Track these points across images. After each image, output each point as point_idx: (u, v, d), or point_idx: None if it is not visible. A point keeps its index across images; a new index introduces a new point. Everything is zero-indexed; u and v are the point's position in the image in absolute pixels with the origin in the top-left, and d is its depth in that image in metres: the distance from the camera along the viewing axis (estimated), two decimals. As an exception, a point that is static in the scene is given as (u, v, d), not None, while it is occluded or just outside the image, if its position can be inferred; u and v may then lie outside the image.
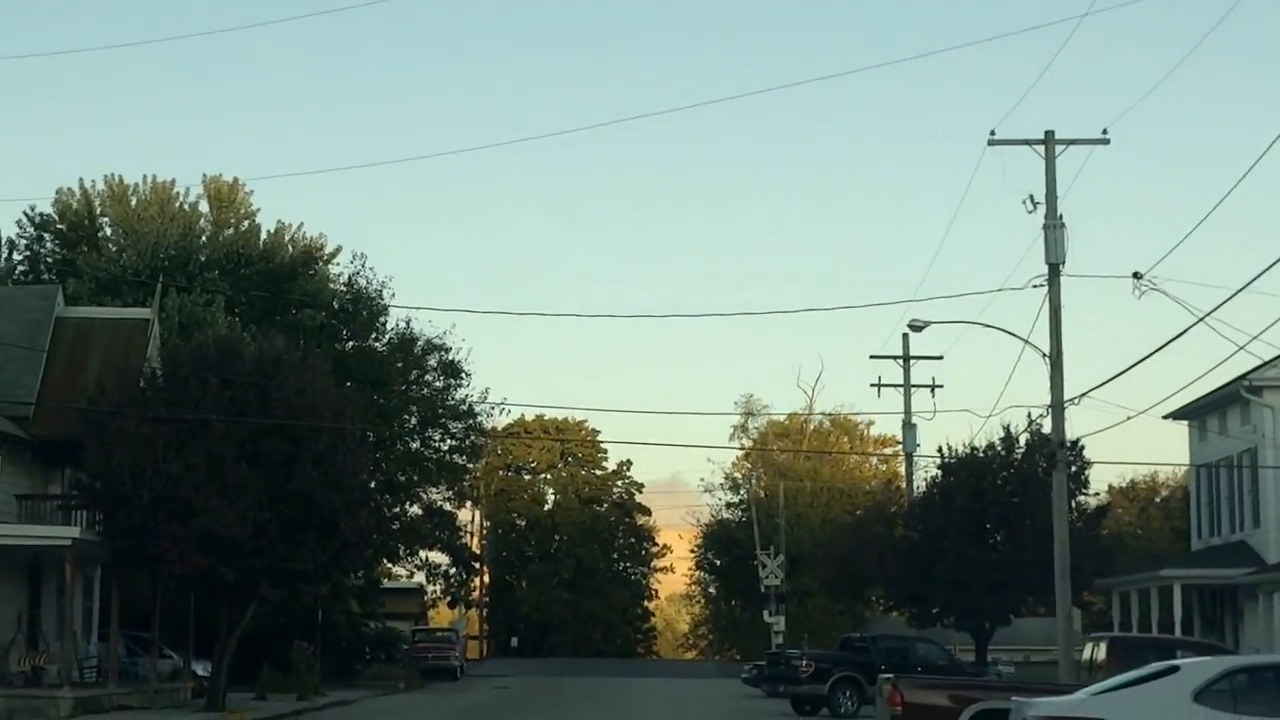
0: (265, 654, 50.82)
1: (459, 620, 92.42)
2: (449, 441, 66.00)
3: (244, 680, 48.93)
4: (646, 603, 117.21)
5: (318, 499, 39.58)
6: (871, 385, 66.89)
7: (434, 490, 65.90)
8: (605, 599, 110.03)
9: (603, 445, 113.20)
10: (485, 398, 65.63)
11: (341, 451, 40.73)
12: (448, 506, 66.33)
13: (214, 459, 38.60)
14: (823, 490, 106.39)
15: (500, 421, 66.60)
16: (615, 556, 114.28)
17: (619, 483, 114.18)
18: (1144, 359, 36.37)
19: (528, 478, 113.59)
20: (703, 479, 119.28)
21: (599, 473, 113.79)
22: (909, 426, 66.18)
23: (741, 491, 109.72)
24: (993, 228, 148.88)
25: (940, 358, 67.43)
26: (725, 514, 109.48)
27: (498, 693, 58.67)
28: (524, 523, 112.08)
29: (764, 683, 57.33)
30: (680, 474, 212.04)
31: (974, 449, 51.85)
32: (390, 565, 65.99)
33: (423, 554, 64.44)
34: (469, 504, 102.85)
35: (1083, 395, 37.95)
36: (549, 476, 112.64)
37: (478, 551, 69.86)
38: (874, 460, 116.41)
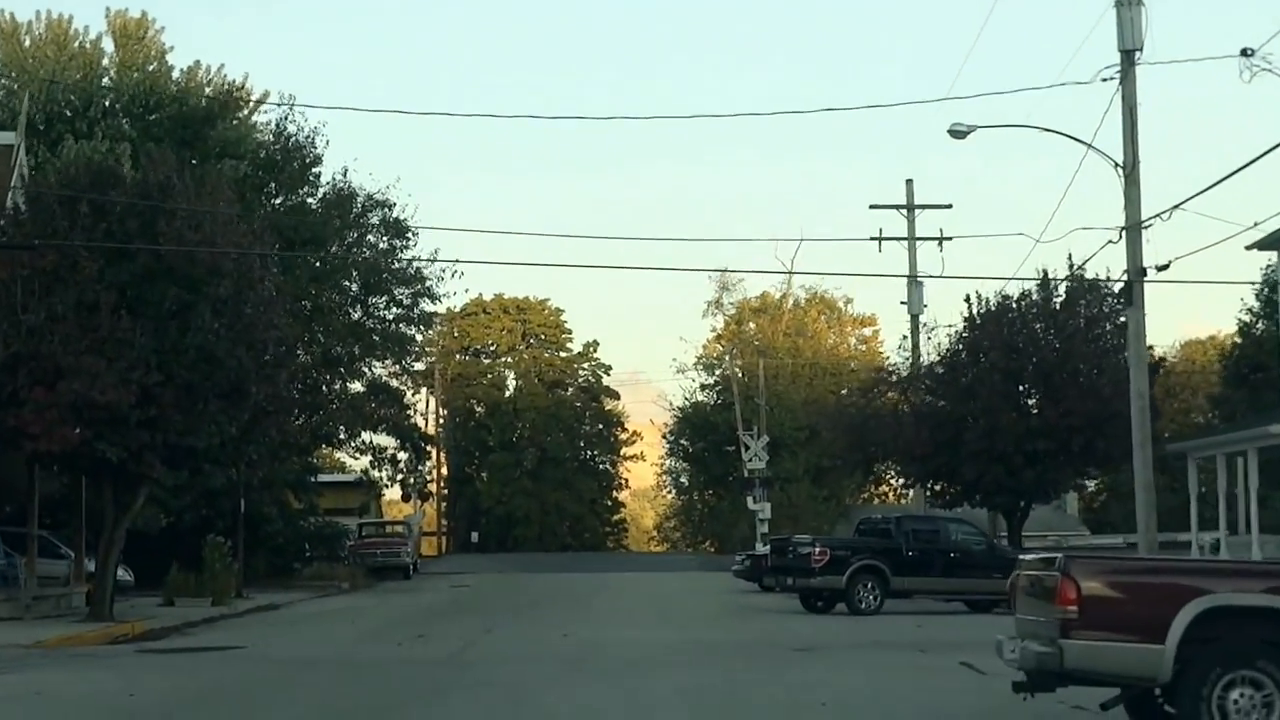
0: (181, 554, 43.31)
1: (414, 514, 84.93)
2: (394, 310, 58.15)
3: (159, 584, 41.73)
4: (616, 493, 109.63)
5: (220, 357, 31.77)
6: (872, 238, 59.05)
7: (379, 365, 58.13)
8: (572, 490, 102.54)
9: (567, 326, 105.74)
10: (434, 258, 57.74)
11: (250, 299, 32.87)
12: (395, 383, 58.49)
13: (86, 307, 30.78)
14: (804, 369, 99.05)
15: (455, 296, 58.74)
16: (582, 444, 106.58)
17: (585, 365, 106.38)
18: (1243, 168, 28.73)
19: (487, 361, 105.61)
20: (674, 359, 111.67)
21: (563, 355, 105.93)
22: (915, 283, 58.52)
23: (717, 372, 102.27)
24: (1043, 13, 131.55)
25: (949, 206, 60.01)
26: (700, 396, 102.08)
27: (453, 592, 51.29)
28: (483, 409, 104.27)
29: (760, 575, 50.20)
30: (646, 369, 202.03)
31: (1005, 297, 44.35)
32: (329, 449, 58.02)
33: (367, 436, 56.71)
34: (424, 389, 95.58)
35: (1175, 208, 30.19)
36: (510, 360, 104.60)
37: (431, 434, 61.89)
38: (852, 341, 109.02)
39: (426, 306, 58.13)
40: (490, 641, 28.33)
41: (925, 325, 54.36)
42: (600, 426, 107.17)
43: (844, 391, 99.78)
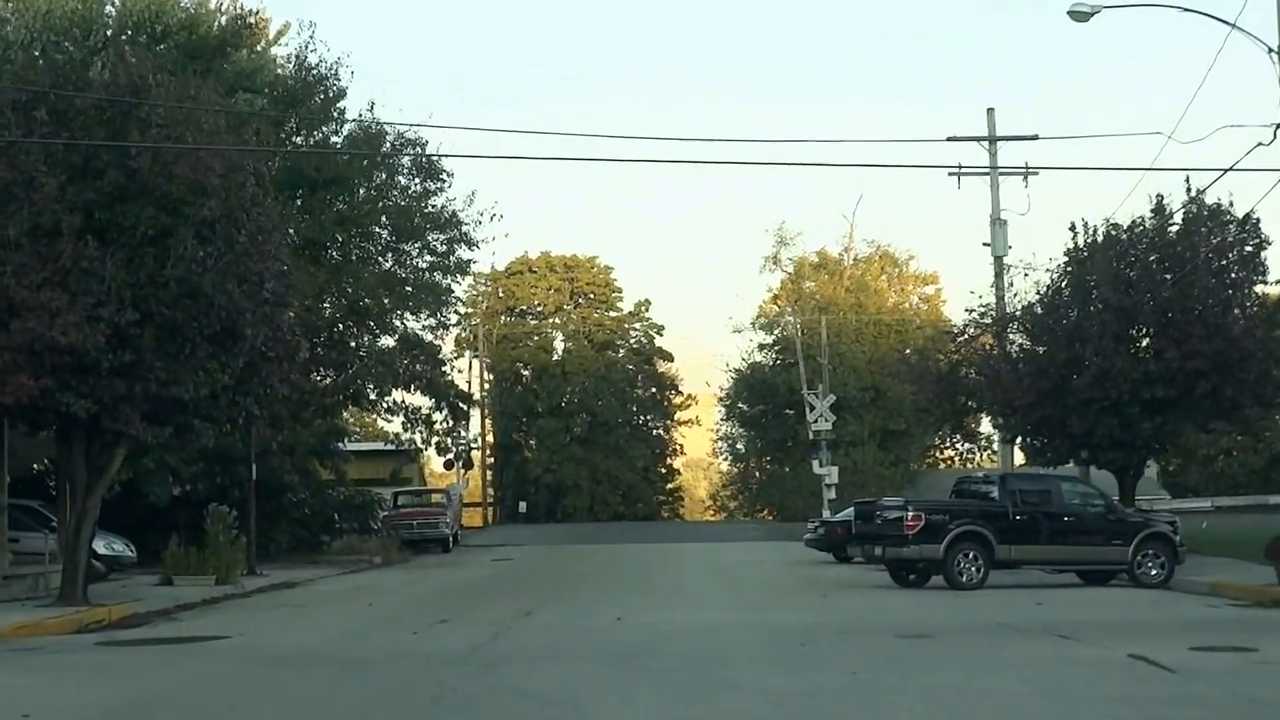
0: (188, 526, 38.46)
1: (456, 483, 79.99)
2: (428, 258, 53.05)
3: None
4: (671, 460, 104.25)
5: (207, 291, 26.74)
6: (950, 173, 53.63)
7: (412, 318, 53.09)
8: (624, 457, 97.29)
9: (617, 284, 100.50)
10: (471, 202, 52.65)
11: (244, 223, 27.80)
12: (430, 338, 53.43)
13: (45, 232, 25.86)
14: (868, 326, 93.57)
15: (493, 241, 53.58)
16: (634, 409, 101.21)
17: (636, 325, 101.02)
18: None
19: (533, 322, 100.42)
20: (731, 318, 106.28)
21: (614, 315, 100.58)
22: (998, 224, 53.07)
23: (776, 330, 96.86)
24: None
25: (1034, 137, 54.35)
26: (758, 356, 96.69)
27: (494, 567, 46.30)
28: (530, 373, 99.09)
29: (836, 544, 45.09)
30: (700, 330, 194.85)
31: (1114, 226, 38.88)
32: (360, 413, 52.87)
33: (399, 396, 51.64)
34: (467, 352, 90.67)
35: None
36: (557, 320, 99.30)
37: (469, 393, 56.52)
38: (914, 300, 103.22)
39: (463, 254, 52.99)
40: (526, 628, 23.21)
41: (1011, 268, 48.84)
42: (653, 390, 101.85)
43: (924, 342, 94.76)
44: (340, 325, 49.88)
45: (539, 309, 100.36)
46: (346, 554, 51.24)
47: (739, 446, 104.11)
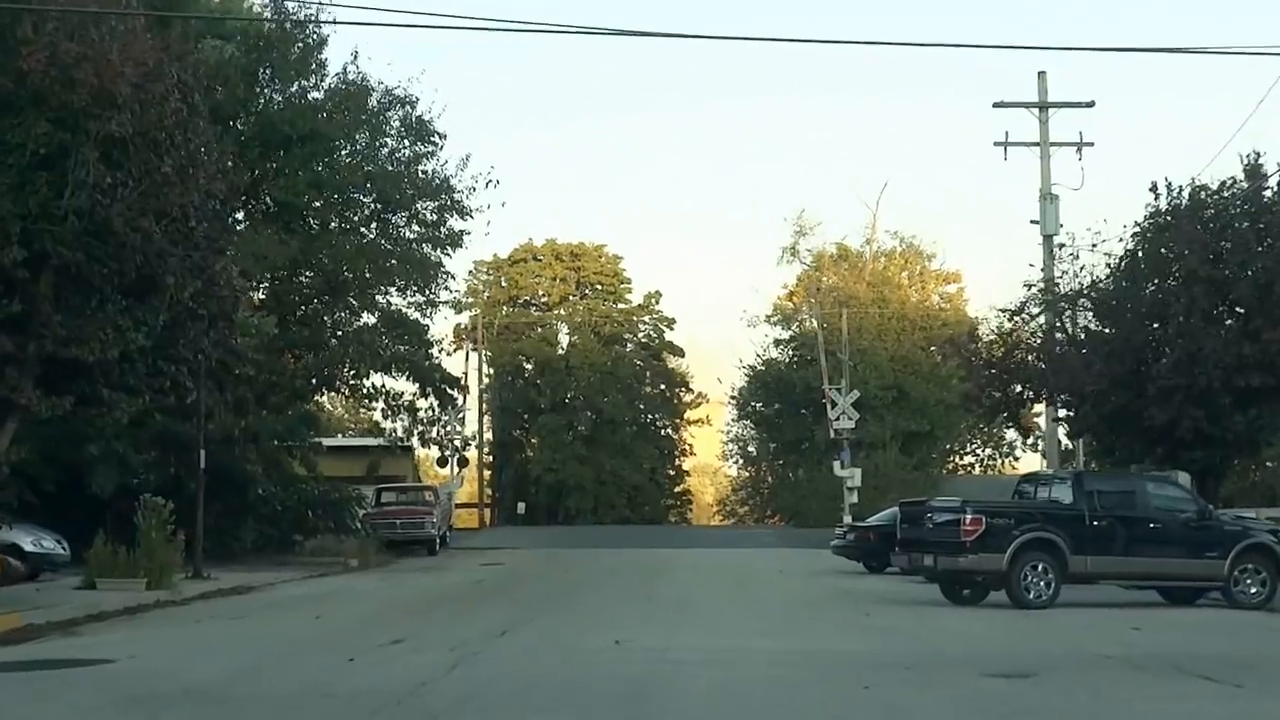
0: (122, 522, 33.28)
1: (451, 482, 74.84)
2: (415, 228, 47.90)
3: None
4: (680, 460, 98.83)
5: (117, 229, 21.59)
6: (996, 144, 48.58)
7: (397, 295, 47.93)
8: (630, 457, 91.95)
9: (626, 274, 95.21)
10: (464, 166, 47.56)
11: (167, 148, 22.61)
12: (417, 316, 48.17)
13: (-93, 149, 20.71)
14: (891, 322, 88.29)
15: (488, 210, 48.05)
16: (642, 407, 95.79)
17: (646, 318, 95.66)
18: None
19: (536, 313, 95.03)
20: (745, 310, 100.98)
21: (622, 307, 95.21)
22: (1048, 200, 47.87)
23: (793, 326, 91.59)
24: None
25: (1090, 104, 49.20)
26: (774, 352, 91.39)
27: (481, 572, 41.06)
28: (533, 367, 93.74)
29: (868, 552, 39.94)
30: (713, 324, 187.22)
31: (1201, 188, 33.60)
32: (335, 395, 47.57)
33: (379, 380, 46.45)
34: (465, 342, 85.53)
35: None
36: (562, 312, 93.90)
37: (461, 379, 50.73)
38: (935, 299, 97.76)
39: (455, 224, 47.82)
40: (498, 653, 17.97)
41: (1063, 247, 43.46)
42: (662, 387, 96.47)
43: (933, 348, 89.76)
44: (315, 301, 44.76)
45: (543, 299, 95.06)
46: (321, 555, 46.18)
47: (750, 449, 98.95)
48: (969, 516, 27.03)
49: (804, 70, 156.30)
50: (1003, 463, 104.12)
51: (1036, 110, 48.73)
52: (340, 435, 49.91)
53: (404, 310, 47.10)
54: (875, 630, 22.19)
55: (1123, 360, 32.58)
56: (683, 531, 75.76)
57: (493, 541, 60.26)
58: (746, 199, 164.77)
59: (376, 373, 45.03)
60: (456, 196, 47.38)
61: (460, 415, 75.05)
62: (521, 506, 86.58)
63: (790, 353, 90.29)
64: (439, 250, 47.88)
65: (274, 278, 43.95)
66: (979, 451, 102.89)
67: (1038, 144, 48.42)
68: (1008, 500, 30.12)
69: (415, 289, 48.07)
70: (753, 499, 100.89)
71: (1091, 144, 48.44)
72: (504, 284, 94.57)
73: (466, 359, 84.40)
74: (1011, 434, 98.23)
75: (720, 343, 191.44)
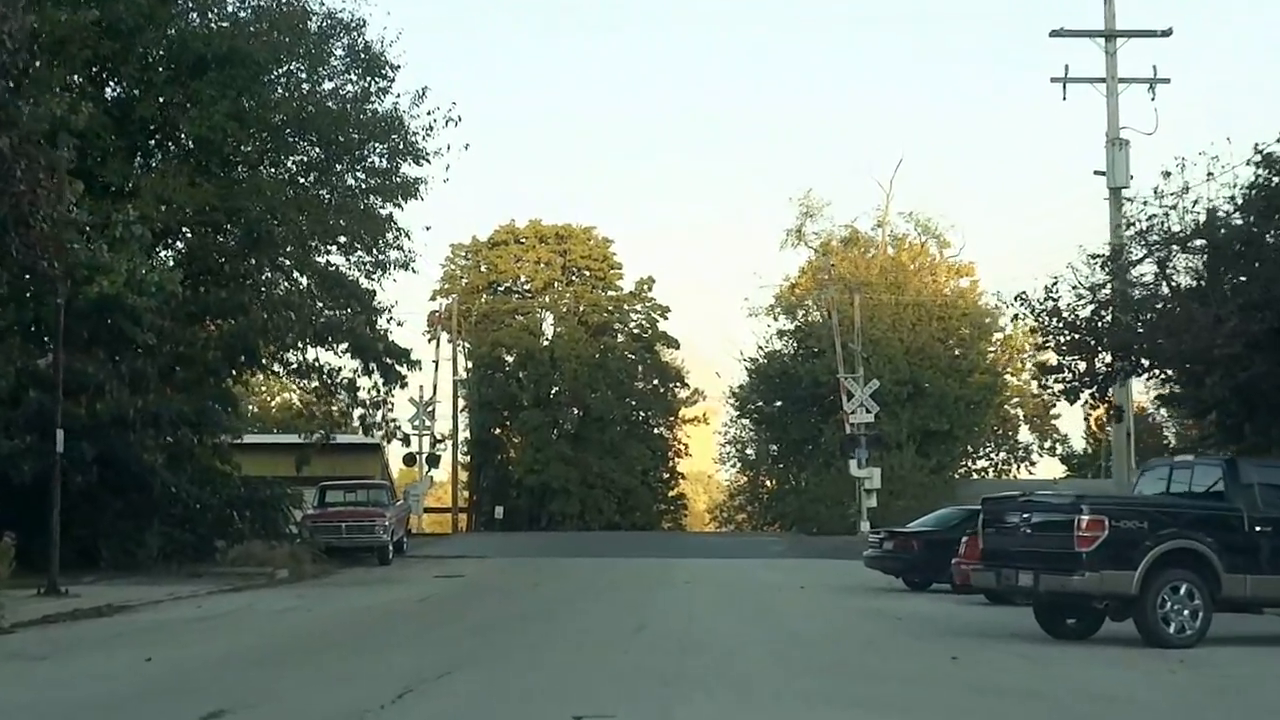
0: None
1: (419, 481, 66.95)
2: (362, 176, 40.12)
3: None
4: (675, 461, 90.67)
5: None
6: (1053, 80, 40.80)
7: (337, 252, 40.14)
8: (621, 458, 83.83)
9: (616, 259, 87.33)
10: (419, 100, 39.83)
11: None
12: (362, 281, 40.19)
13: None
14: (907, 311, 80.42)
15: (448, 153, 39.90)
16: (633, 403, 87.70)
17: (638, 307, 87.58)
18: None
19: (518, 300, 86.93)
20: (746, 299, 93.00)
21: (612, 294, 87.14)
22: (1116, 145, 40.12)
23: (799, 315, 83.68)
24: None
25: (1167, 32, 41.47)
26: (777, 344, 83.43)
27: (433, 588, 33.22)
28: (514, 359, 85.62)
29: (911, 564, 32.29)
30: (711, 315, 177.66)
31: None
32: (256, 370, 39.34)
33: (313, 354, 38.53)
34: (441, 334, 77.71)
35: None
36: (546, 299, 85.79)
37: (409, 351, 42.07)
38: (946, 292, 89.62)
39: (409, 171, 40.01)
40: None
41: (1131, 200, 35.45)
42: (655, 382, 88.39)
43: (954, 337, 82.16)
44: (238, 258, 36.96)
45: (525, 286, 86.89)
46: (245, 564, 38.36)
47: (749, 452, 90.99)
48: (1086, 518, 19.26)
49: (808, 21, 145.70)
50: (1018, 468, 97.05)
51: (1102, 40, 41.07)
52: (239, 407, 41.67)
53: (344, 271, 39.16)
54: (991, 694, 14.37)
55: (1262, 315, 24.71)
56: (678, 538, 67.58)
57: (462, 549, 52.19)
58: (747, 177, 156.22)
59: (309, 345, 37.04)
60: (411, 138, 39.54)
61: (429, 408, 67.33)
62: (499, 511, 78.48)
63: (795, 344, 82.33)
64: (389, 202, 40.01)
65: (186, 228, 36.16)
66: (993, 455, 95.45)
67: (1103, 79, 40.75)
68: (1135, 497, 22.30)
69: (360, 248, 40.17)
70: (751, 505, 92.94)
71: (1167, 80, 40.74)
72: (483, 269, 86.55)
73: (437, 347, 76.42)
74: (1064, 425, 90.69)
75: (719, 334, 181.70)
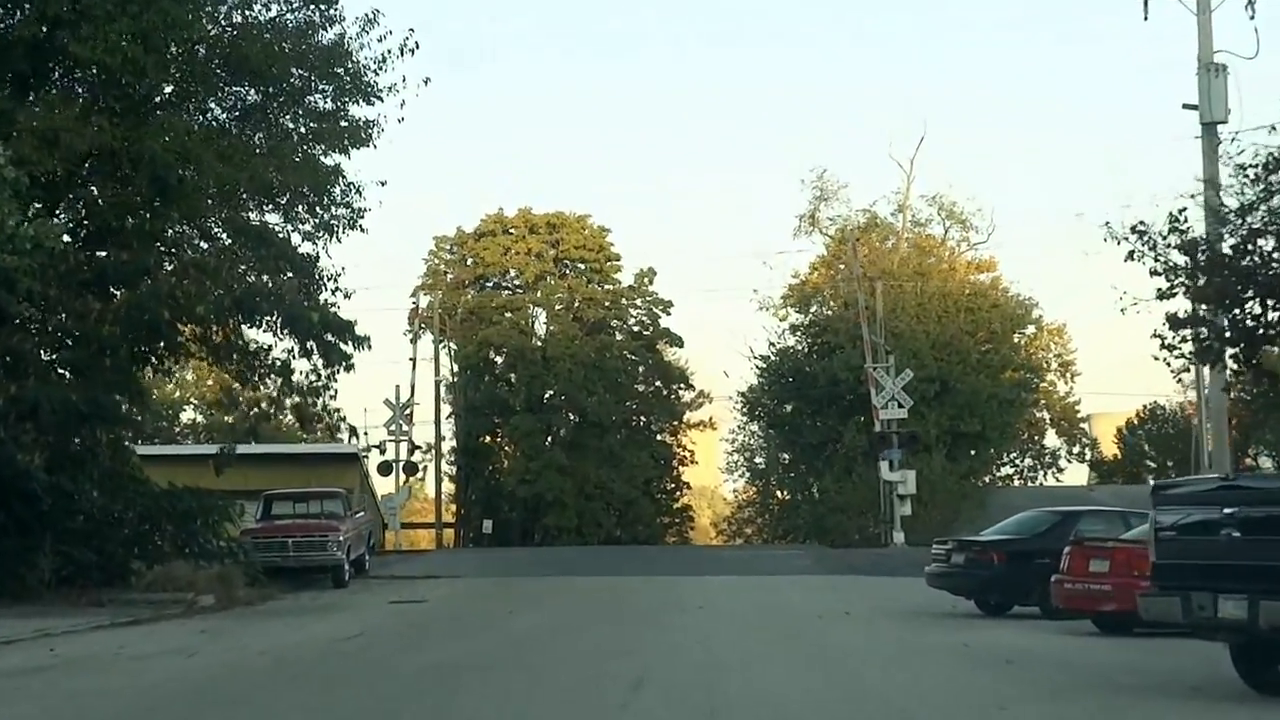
0: None
1: (397, 494, 59.92)
2: (303, 119, 33.17)
3: None
4: (679, 470, 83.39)
5: None
6: (1138, -4, 33.98)
7: (272, 210, 33.12)
8: (620, 466, 76.71)
9: (614, 249, 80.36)
10: (369, 28, 32.91)
11: None
12: (288, 234, 33.03)
13: None
14: (933, 300, 73.53)
15: (403, 90, 32.67)
16: (634, 406, 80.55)
17: (638, 301, 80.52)
18: None
19: (507, 295, 79.82)
20: (755, 291, 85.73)
21: (609, 288, 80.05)
22: (1212, 73, 33.30)
23: (814, 307, 76.80)
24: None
25: (1271, -62, 34.61)
26: (790, 340, 76.53)
27: (386, 617, 26.34)
28: (503, 359, 78.55)
29: (988, 583, 25.42)
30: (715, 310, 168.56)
31: None
32: (160, 351, 31.82)
33: (256, 336, 31.39)
34: (425, 333, 70.98)
35: None
36: (538, 294, 78.66)
37: (354, 323, 34.31)
38: (965, 290, 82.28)
39: (359, 111, 33.03)
40: None
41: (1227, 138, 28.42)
42: (658, 383, 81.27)
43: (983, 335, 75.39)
44: (142, 212, 29.98)
45: (515, 280, 79.78)
46: (164, 589, 31.48)
47: (758, 460, 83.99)
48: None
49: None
50: (1044, 474, 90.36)
51: (1191, -51, 34.26)
52: (144, 401, 34.33)
53: (275, 229, 32.05)
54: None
55: None
56: (685, 553, 60.25)
57: (437, 567, 45.11)
58: (754, 160, 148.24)
59: (229, 316, 29.90)
60: (359, 71, 32.58)
61: (406, 411, 60.43)
62: (488, 525, 71.38)
63: (810, 340, 75.39)
64: (335, 148, 32.97)
65: (74, 174, 29.21)
66: (1018, 461, 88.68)
67: None
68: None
69: (302, 206, 33.12)
70: (761, 516, 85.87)
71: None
72: (469, 262, 79.47)
73: (414, 344, 69.39)
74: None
75: (725, 332, 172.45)
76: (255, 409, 33.60)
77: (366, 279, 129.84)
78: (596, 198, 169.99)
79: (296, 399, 31.49)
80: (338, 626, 24.05)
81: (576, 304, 78.65)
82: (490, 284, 79.81)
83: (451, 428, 77.20)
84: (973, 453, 73.71)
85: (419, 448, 62.14)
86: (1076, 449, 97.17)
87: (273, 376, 31.31)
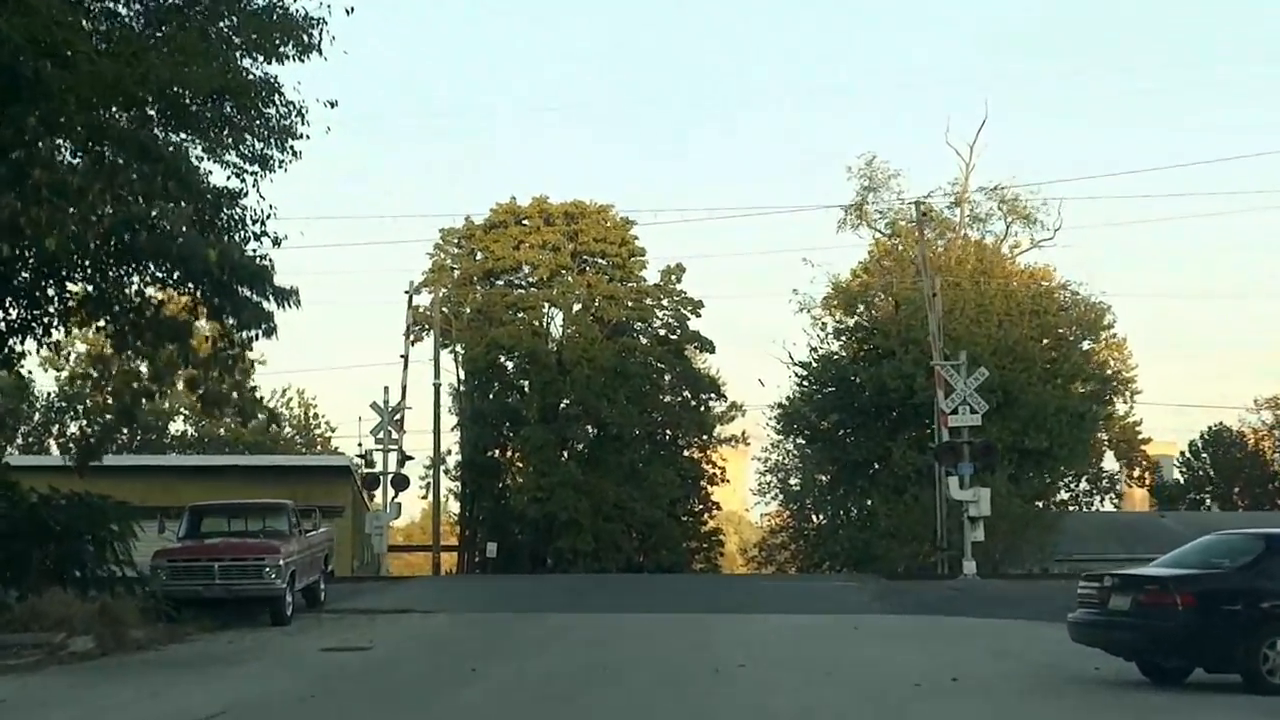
0: None
1: (381, 511, 52.01)
2: (228, 19, 25.42)
3: None
4: (709, 489, 75.49)
5: None
6: None
7: (190, 140, 25.33)
8: (643, 484, 68.91)
9: (638, 243, 72.67)
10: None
11: None
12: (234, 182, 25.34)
13: None
14: (995, 300, 65.68)
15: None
16: (659, 418, 72.76)
17: (664, 301, 72.79)
18: None
19: (519, 293, 72.09)
20: (796, 291, 77.44)
21: (632, 285, 72.32)
22: None
23: (861, 309, 68.88)
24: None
25: None
26: (834, 346, 68.59)
27: (295, 678, 18.45)
28: (515, 363, 70.87)
29: (1174, 638, 17.28)
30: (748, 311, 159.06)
31: None
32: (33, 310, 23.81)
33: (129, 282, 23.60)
34: (429, 332, 63.67)
35: None
36: (554, 291, 70.92)
37: (294, 290, 26.91)
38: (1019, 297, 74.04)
39: (301, 5, 25.34)
40: None
41: None
42: (685, 393, 73.44)
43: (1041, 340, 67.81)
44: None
45: (528, 277, 72.09)
46: (29, 627, 23.87)
47: (792, 481, 76.12)
48: None
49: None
50: (1101, 499, 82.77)
51: None
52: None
53: (179, 146, 24.20)
54: None
55: None
56: (716, 584, 51.96)
57: (422, 598, 37.10)
58: (792, 148, 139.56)
59: (102, 256, 22.03)
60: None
61: (396, 415, 52.62)
62: (492, 548, 63.60)
63: (856, 345, 67.56)
64: (269, 56, 25.18)
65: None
66: (1072, 485, 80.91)
67: None
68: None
69: (233, 132, 25.36)
70: (795, 542, 78.00)
71: None
72: (478, 256, 71.83)
73: (409, 344, 61.53)
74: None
75: (760, 336, 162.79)
76: (136, 382, 25.50)
77: (365, 277, 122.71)
78: (618, 186, 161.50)
79: (193, 371, 23.64)
80: (210, 694, 16.21)
81: (596, 303, 70.97)
82: (500, 280, 72.13)
83: (456, 439, 69.64)
84: (1037, 473, 65.83)
85: (410, 458, 54.26)
86: (1137, 473, 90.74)
87: (165, 341, 23.40)
